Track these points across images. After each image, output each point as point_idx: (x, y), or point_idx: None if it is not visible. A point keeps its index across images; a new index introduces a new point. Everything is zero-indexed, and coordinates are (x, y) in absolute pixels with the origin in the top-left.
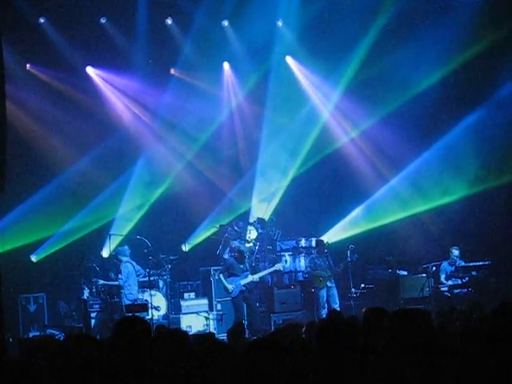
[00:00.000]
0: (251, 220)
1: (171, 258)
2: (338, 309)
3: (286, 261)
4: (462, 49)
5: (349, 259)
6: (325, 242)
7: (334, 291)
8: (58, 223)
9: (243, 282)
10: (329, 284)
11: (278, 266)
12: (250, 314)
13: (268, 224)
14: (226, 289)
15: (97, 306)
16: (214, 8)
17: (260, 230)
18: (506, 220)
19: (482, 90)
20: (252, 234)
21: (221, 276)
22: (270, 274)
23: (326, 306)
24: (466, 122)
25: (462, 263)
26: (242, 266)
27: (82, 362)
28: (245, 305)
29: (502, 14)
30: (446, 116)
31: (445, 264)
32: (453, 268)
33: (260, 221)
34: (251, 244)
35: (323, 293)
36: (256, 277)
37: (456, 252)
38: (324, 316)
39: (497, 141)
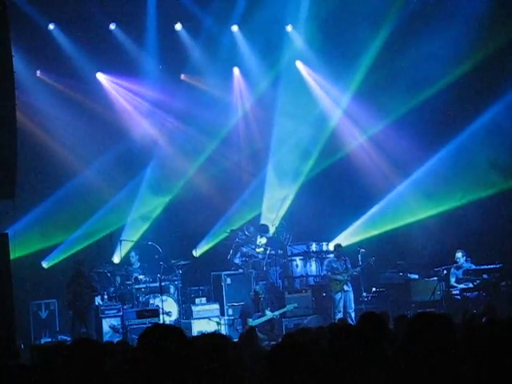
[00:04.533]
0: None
1: (182, 263)
2: (353, 314)
3: (296, 265)
4: (471, 52)
5: (360, 263)
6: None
7: (351, 295)
8: (69, 229)
9: (254, 323)
10: (345, 288)
11: (289, 308)
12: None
13: (278, 228)
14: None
15: (108, 312)
16: (223, 13)
17: (268, 235)
18: None
19: (492, 92)
20: (262, 238)
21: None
22: (280, 278)
23: (341, 309)
24: (476, 125)
25: (473, 266)
26: (256, 308)
27: (84, 368)
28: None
29: None
30: (456, 119)
31: (453, 268)
32: (460, 271)
33: (262, 227)
34: (262, 249)
35: (338, 296)
36: (274, 314)
37: (459, 254)
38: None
39: (507, 143)
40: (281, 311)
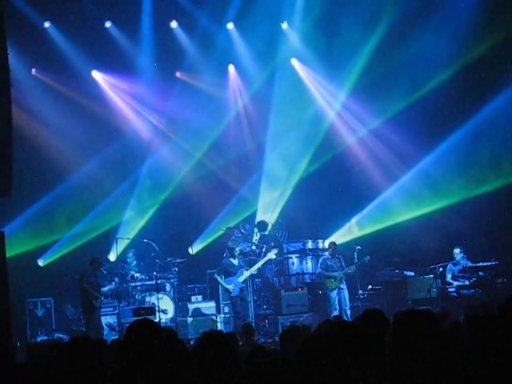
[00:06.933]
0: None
1: (178, 261)
2: (349, 311)
3: (292, 263)
4: (470, 45)
5: (355, 261)
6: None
7: (346, 293)
8: (65, 227)
9: (241, 279)
10: (340, 286)
11: (270, 255)
12: (241, 305)
13: (274, 226)
14: (226, 290)
15: (105, 310)
16: (219, 11)
17: (262, 232)
18: None
19: (489, 89)
20: (258, 236)
21: (218, 278)
22: (277, 276)
23: (337, 307)
24: (475, 119)
25: (469, 264)
26: (235, 263)
27: (82, 365)
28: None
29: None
30: (454, 114)
31: (450, 265)
32: (457, 268)
33: (261, 224)
34: (255, 247)
35: (334, 294)
36: (253, 270)
37: (457, 250)
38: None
39: (505, 140)
40: (261, 262)
